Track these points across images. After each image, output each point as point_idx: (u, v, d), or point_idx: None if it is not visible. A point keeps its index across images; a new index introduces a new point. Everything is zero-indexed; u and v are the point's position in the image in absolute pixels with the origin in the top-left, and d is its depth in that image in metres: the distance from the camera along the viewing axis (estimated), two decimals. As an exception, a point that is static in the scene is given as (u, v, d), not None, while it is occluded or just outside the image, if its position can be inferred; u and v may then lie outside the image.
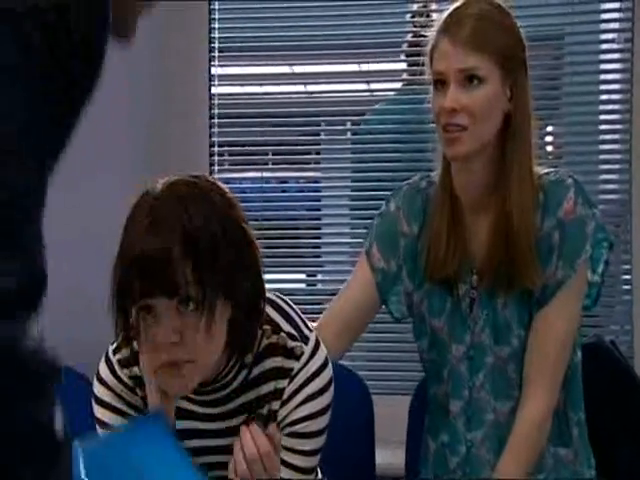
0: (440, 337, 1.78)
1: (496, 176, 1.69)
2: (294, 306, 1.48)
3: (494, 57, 1.63)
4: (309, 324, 1.47)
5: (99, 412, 1.45)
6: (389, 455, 2.17)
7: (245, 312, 1.35)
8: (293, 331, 1.43)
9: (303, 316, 1.48)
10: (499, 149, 1.68)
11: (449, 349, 1.77)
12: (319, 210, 2.87)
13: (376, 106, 2.77)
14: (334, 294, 2.70)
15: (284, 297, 1.49)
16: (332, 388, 1.44)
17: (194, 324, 1.28)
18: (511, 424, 1.71)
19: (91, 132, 2.57)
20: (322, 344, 1.45)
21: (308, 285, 2.91)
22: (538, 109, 2.42)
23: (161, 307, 1.28)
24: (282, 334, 1.42)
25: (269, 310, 1.42)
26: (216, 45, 2.67)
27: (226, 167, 2.77)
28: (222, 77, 2.69)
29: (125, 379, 1.43)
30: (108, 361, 1.45)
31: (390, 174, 2.53)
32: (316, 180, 2.92)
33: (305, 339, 1.43)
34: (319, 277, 2.90)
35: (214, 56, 2.67)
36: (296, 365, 1.40)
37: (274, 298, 1.46)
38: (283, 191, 2.91)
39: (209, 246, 1.28)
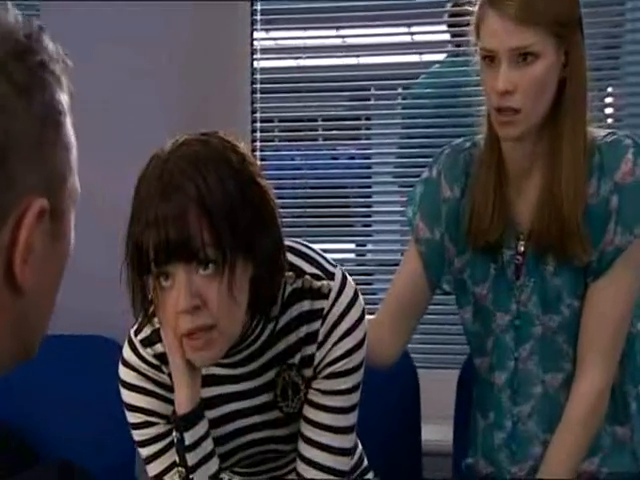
0: (484, 306, 1.70)
1: (548, 141, 1.59)
2: (314, 247, 1.43)
3: (549, 28, 1.51)
4: (332, 261, 1.41)
5: (128, 396, 1.41)
6: (436, 431, 2.11)
7: (266, 269, 1.29)
8: (317, 271, 1.38)
9: (325, 255, 1.42)
10: (552, 115, 1.58)
11: (493, 318, 1.69)
12: (369, 178, 2.79)
13: (422, 76, 2.68)
14: (383, 264, 2.72)
15: (302, 241, 1.43)
16: (365, 320, 1.39)
17: (215, 287, 1.23)
18: (562, 398, 1.64)
19: (131, 106, 2.56)
20: (349, 277, 1.40)
21: (358, 255, 2.84)
22: (597, 69, 2.32)
23: (179, 273, 1.22)
24: (306, 277, 1.37)
25: (290, 256, 1.36)
26: (258, 17, 2.58)
27: (274, 142, 2.71)
28: (264, 50, 2.62)
29: (149, 358, 1.38)
30: (131, 343, 1.41)
31: (440, 140, 2.43)
32: (366, 150, 2.84)
33: (330, 276, 1.38)
34: (369, 247, 2.83)
35: (256, 28, 2.59)
36: (326, 304, 1.36)
37: (292, 244, 1.40)
38: (333, 158, 2.84)
39: (225, 206, 1.23)
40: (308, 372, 1.38)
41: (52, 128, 0.77)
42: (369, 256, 2.83)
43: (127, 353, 1.41)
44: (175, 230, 1.20)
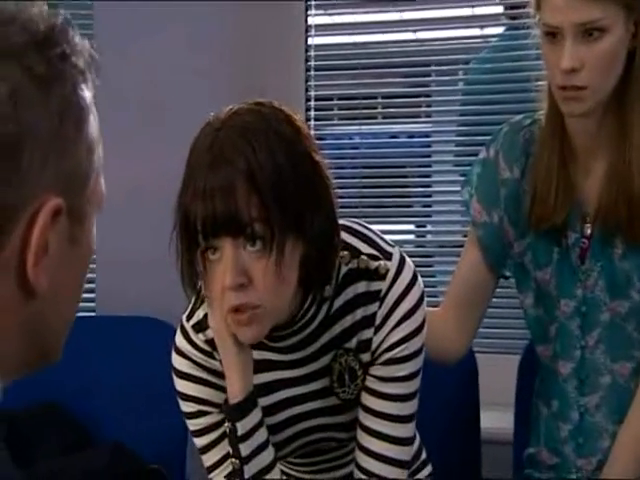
0: (546, 291, 1.62)
1: (615, 115, 1.51)
2: (370, 226, 1.37)
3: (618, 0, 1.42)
4: (389, 241, 1.35)
5: (180, 385, 1.37)
6: (495, 419, 2.04)
7: (318, 248, 1.23)
8: (373, 251, 1.32)
9: (382, 234, 1.36)
10: (620, 88, 1.49)
11: (557, 305, 1.61)
12: (429, 157, 2.72)
13: (485, 51, 2.59)
14: (443, 246, 2.65)
15: (358, 221, 1.38)
16: (424, 304, 1.33)
17: (262, 264, 1.18)
18: (632, 387, 1.57)
19: (185, 84, 2.54)
20: (407, 258, 1.34)
21: (417, 236, 2.78)
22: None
23: (227, 247, 1.18)
24: (362, 257, 1.31)
25: (345, 235, 1.31)
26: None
27: (330, 120, 2.67)
28: (319, 27, 2.55)
29: (201, 344, 1.34)
30: (183, 329, 1.37)
31: (500, 117, 2.34)
32: (426, 130, 2.77)
33: (388, 256, 1.32)
34: (428, 227, 2.77)
35: (311, 4, 2.52)
36: (383, 285, 1.30)
37: (348, 223, 1.34)
38: (393, 137, 2.77)
39: (275, 180, 1.17)
40: (365, 357, 1.33)
41: (72, 124, 0.73)
42: (429, 237, 2.77)
43: (179, 340, 1.37)
44: (222, 203, 1.15)
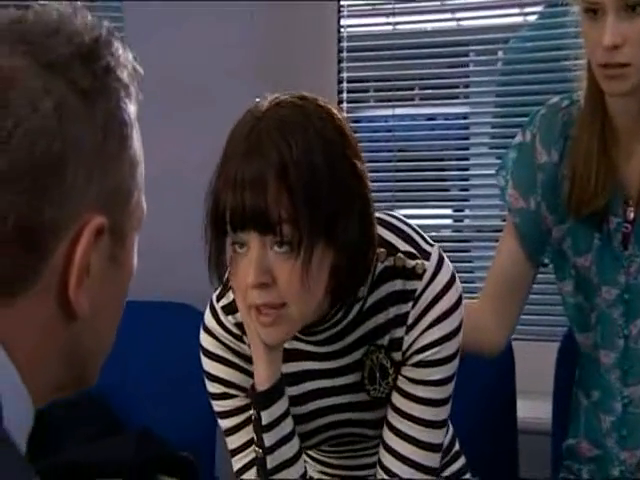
0: (587, 278, 1.57)
1: None
2: (409, 222, 1.31)
3: None
4: (429, 239, 1.30)
5: (207, 364, 1.34)
6: (532, 408, 1.99)
7: (350, 259, 1.18)
8: (411, 249, 1.27)
9: (421, 231, 1.31)
10: None
11: (598, 292, 1.56)
12: (467, 139, 2.66)
13: (525, 28, 2.52)
14: (481, 230, 2.60)
15: (395, 214, 1.32)
16: (462, 307, 1.27)
17: (288, 268, 1.14)
18: None
19: (215, 67, 2.53)
20: (446, 258, 1.28)
21: (455, 221, 2.72)
22: None
23: (253, 243, 1.14)
24: (399, 255, 1.26)
25: (381, 231, 1.25)
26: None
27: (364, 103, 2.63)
28: (351, 8, 2.51)
29: (230, 327, 1.31)
30: (212, 309, 1.34)
31: (539, 97, 2.28)
32: (464, 112, 2.70)
33: (426, 255, 1.26)
34: (466, 212, 2.70)
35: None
36: (419, 285, 1.25)
37: (385, 217, 1.29)
38: (429, 119, 2.71)
39: (309, 180, 1.12)
40: (397, 356, 1.29)
41: (116, 139, 0.71)
42: (466, 222, 2.70)
43: (208, 319, 1.33)
44: (252, 197, 1.11)
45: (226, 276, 1.25)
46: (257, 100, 1.19)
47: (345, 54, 2.50)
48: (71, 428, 2.00)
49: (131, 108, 0.74)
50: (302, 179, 1.11)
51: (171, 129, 2.40)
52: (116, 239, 0.71)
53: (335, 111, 1.20)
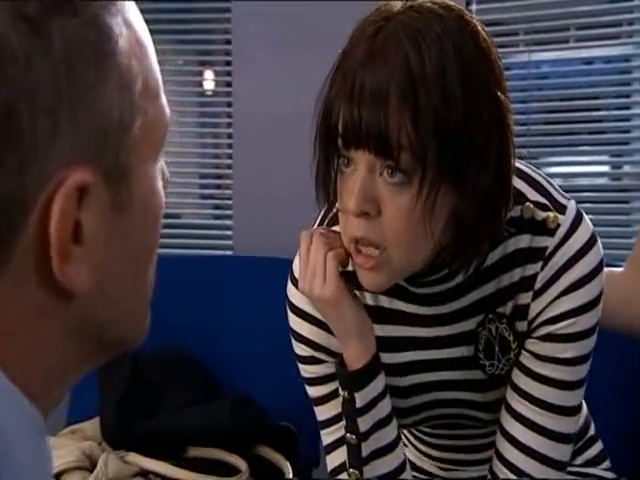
0: None
1: None
2: (541, 172, 1.14)
3: None
4: (565, 194, 1.12)
5: (294, 322, 1.21)
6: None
7: (476, 211, 0.99)
8: (542, 199, 1.09)
9: (555, 184, 1.13)
10: None
11: None
12: (629, 85, 2.49)
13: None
14: None
15: (528, 164, 1.14)
16: (602, 274, 1.09)
17: (399, 202, 0.98)
18: None
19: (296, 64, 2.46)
20: (586, 216, 1.10)
21: (613, 167, 2.56)
22: None
23: (362, 164, 0.99)
24: (528, 204, 1.09)
25: None
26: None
27: (517, 47, 2.49)
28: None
29: None
30: (293, 279, 1.19)
31: None
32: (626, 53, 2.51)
33: (561, 208, 1.09)
34: (625, 158, 2.52)
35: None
36: (550, 242, 1.07)
37: (514, 164, 1.09)
38: (586, 63, 2.54)
39: (440, 105, 0.94)
40: (522, 326, 1.12)
41: (91, 63, 0.55)
42: (626, 168, 2.54)
43: (291, 290, 1.20)
44: (370, 110, 0.95)
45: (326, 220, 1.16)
46: None
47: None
48: (166, 392, 1.90)
49: (116, 20, 0.58)
50: (432, 102, 0.94)
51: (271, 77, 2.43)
52: (115, 183, 0.58)
53: (482, 30, 1.00)
